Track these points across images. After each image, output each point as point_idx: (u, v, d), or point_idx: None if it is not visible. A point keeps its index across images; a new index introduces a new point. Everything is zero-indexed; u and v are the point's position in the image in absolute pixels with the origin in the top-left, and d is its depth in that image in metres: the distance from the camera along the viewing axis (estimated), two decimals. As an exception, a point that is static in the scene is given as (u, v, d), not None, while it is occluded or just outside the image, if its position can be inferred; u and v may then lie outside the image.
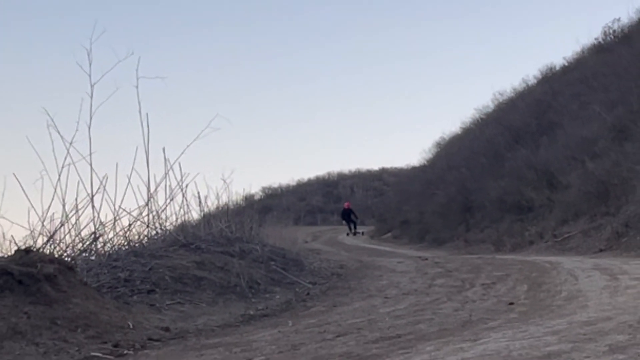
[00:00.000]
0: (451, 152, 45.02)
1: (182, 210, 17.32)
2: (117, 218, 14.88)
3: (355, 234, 45.30)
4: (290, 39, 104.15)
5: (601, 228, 22.03)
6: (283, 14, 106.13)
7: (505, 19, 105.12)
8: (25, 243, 12.09)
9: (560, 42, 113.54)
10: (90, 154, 14.12)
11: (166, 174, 16.17)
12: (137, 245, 15.12)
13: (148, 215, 15.82)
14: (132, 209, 15.57)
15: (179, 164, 16.82)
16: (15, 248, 11.57)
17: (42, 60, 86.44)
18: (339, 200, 66.02)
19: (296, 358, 8.06)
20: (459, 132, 48.70)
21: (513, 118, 38.38)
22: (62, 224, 13.30)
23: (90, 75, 14.29)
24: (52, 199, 13.89)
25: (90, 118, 14.09)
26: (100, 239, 14.30)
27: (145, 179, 15.81)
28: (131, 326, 10.73)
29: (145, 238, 15.66)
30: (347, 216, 45.99)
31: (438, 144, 51.27)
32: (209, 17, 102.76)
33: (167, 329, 11.00)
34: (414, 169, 54.49)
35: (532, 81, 45.02)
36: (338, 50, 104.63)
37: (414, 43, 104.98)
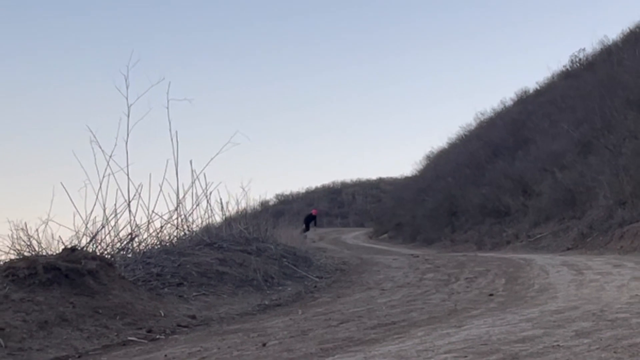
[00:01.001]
0: (439, 164, 45.01)
1: (206, 214, 17.33)
2: (150, 221, 14.90)
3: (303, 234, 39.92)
4: (301, 67, 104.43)
5: (568, 230, 22.02)
6: (294, 45, 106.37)
7: (486, 49, 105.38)
8: (71, 243, 12.11)
9: (533, 69, 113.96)
10: (127, 165, 14.16)
11: (193, 183, 16.19)
12: (167, 244, 15.13)
13: (177, 218, 15.85)
14: (163, 213, 15.60)
15: (204, 174, 16.84)
16: (63, 247, 11.58)
17: (85, 85, 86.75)
18: (343, 206, 65.93)
19: (305, 342, 8.05)
20: (446, 147, 48.75)
21: (492, 134, 38.40)
22: (103, 226, 13.33)
23: (127, 98, 14.33)
24: (94, 205, 13.92)
25: (127, 134, 14.13)
26: (136, 239, 14.32)
27: (175, 187, 15.84)
28: (162, 314, 10.74)
29: (175, 238, 15.66)
30: (309, 221, 43.43)
31: (428, 157, 51.31)
32: (230, 47, 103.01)
33: (193, 317, 11.00)
34: (407, 178, 54.46)
35: (509, 102, 45.14)
36: (342, 77, 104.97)
37: (407, 69, 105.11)
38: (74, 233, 12.96)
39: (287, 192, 69.85)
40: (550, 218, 24.48)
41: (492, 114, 45.61)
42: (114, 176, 13.98)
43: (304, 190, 71.80)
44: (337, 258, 20.21)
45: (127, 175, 14.18)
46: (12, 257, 11.18)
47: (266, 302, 12.59)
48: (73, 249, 11.31)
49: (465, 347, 6.47)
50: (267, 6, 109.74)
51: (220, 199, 24.22)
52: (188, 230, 16.23)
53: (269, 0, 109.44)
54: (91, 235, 12.90)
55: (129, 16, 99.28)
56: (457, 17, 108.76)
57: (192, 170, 16.35)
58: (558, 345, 6.15)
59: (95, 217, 13.38)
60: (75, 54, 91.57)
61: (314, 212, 45.68)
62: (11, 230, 12.33)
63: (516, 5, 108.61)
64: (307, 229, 42.17)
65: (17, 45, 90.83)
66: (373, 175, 75.07)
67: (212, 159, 17.42)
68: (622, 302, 8.69)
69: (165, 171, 15.33)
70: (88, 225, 13.06)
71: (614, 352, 5.52)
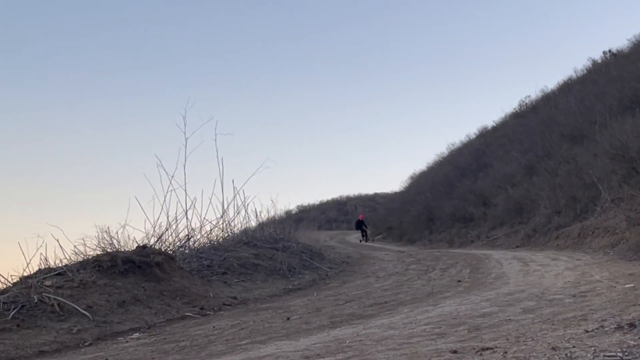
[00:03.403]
0: (420, 182, 44.89)
1: (244, 220, 17.41)
2: (202, 225, 14.95)
3: (367, 240, 35.56)
4: (316, 106, 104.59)
5: (517, 232, 21.94)
6: (311, 90, 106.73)
7: (456, 94, 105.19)
8: (142, 242, 12.15)
9: (491, 110, 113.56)
10: (185, 183, 14.22)
11: (234, 196, 16.27)
12: (215, 243, 15.15)
13: (223, 223, 15.88)
14: (212, 220, 15.67)
15: (243, 190, 16.97)
16: (136, 245, 11.63)
17: (154, 123, 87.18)
18: (347, 214, 65.44)
19: (319, 316, 8.04)
20: (425, 169, 48.54)
21: (460, 160, 38.34)
22: (167, 229, 13.38)
23: (184, 133, 14.42)
24: (160, 213, 14.01)
25: (185, 160, 14.19)
26: (191, 239, 14.35)
27: (221, 200, 15.91)
28: (212, 296, 10.74)
29: (221, 238, 15.69)
30: (359, 226, 37.54)
31: (411, 177, 51.06)
32: (263, 91, 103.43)
33: (235, 298, 11.00)
34: (396, 193, 54.18)
35: (472, 136, 45.01)
36: (348, 114, 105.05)
37: (398, 109, 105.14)
38: (145, 234, 13.03)
39: (306, 203, 69.70)
40: (504, 223, 24.41)
41: (460, 145, 45.55)
42: (175, 192, 14.06)
43: (318, 202, 71.66)
44: (343, 253, 20.19)
45: (185, 191, 14.25)
46: (98, 252, 11.23)
47: (290, 287, 12.59)
48: (144, 247, 11.35)
49: (440, 320, 6.46)
50: (281, 60, 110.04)
51: (255, 209, 24.28)
52: (231, 232, 16.28)
53: (282, 56, 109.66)
54: (158, 236, 12.94)
55: (185, 67, 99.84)
56: (436, 68, 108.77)
57: (233, 187, 16.54)
58: (510, 319, 6.13)
59: (160, 223, 13.47)
60: (147, 100, 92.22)
61: (360, 217, 39.68)
62: (97, 232, 12.43)
63: (478, 61, 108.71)
64: (364, 233, 36.80)
65: (104, 94, 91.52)
66: (370, 191, 74.84)
67: (248, 178, 17.62)
68: (558, 286, 8.65)
69: (214, 188, 15.45)
70: (155, 229, 13.13)
71: (552, 324, 5.50)
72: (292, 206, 61.95)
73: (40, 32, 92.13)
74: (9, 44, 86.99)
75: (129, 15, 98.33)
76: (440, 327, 5.98)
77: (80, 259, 10.89)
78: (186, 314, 9.44)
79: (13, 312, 8.14)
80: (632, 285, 7.65)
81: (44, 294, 8.72)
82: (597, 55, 36.35)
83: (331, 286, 12.35)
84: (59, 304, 8.55)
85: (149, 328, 8.50)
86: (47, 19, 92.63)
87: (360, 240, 34.68)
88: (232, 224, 16.43)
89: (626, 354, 3.57)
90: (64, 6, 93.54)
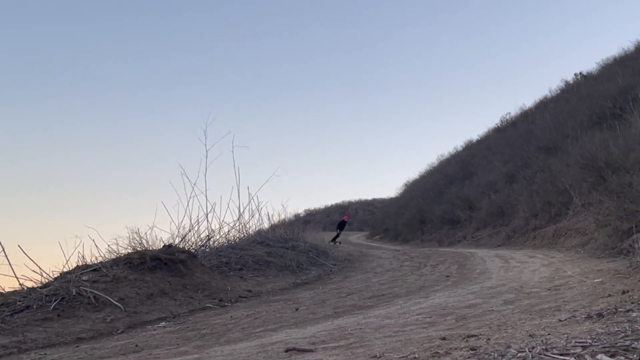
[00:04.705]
0: (413, 189, 44.80)
1: (258, 222, 17.42)
2: (221, 227, 14.99)
3: (334, 241, 28.99)
4: (324, 121, 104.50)
5: (499, 233, 21.87)
6: (319, 107, 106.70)
7: (444, 109, 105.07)
8: (168, 241, 12.17)
9: (475, 125, 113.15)
10: (206, 190, 14.26)
11: (249, 201, 16.40)
12: (232, 243, 15.17)
13: (239, 225, 15.92)
14: (229, 222, 15.70)
15: (257, 196, 17.04)
16: (163, 244, 11.65)
17: (178, 136, 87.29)
18: (349, 217, 65.45)
19: (324, 307, 8.04)
20: (418, 177, 48.51)
21: (449, 169, 38.29)
22: (190, 231, 13.40)
23: (205, 145, 14.51)
24: (184, 216, 14.13)
25: (206, 169, 14.25)
26: (211, 239, 14.37)
27: (237, 205, 15.97)
28: (229, 289, 10.75)
29: (237, 239, 15.71)
30: (341, 227, 33.64)
31: (405, 184, 51.03)
32: (274, 107, 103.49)
33: (250, 291, 11.00)
34: (392, 198, 54.03)
35: (459, 148, 44.97)
36: (350, 128, 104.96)
37: (394, 123, 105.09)
38: (170, 235, 13.07)
39: (312, 208, 69.54)
40: (487, 225, 24.34)
41: (448, 156, 45.45)
42: (196, 197, 14.17)
43: (323, 206, 71.52)
44: (345, 252, 20.16)
45: (206, 196, 14.29)
46: (129, 251, 11.26)
47: (298, 281, 12.58)
48: (169, 246, 11.37)
49: (431, 311, 6.45)
50: (291, 80, 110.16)
51: (268, 212, 24.33)
52: (246, 233, 16.30)
53: (292, 77, 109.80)
54: (182, 237, 12.97)
55: (206, 87, 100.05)
56: (427, 88, 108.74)
57: (248, 193, 16.61)
58: (492, 309, 6.12)
59: (184, 225, 13.53)
60: (173, 116, 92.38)
61: (345, 218, 36.82)
62: (128, 233, 12.48)
63: (464, 81, 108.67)
64: (338, 235, 32.13)
65: (135, 111, 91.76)
66: (369, 196, 74.69)
67: (262, 185, 17.77)
68: (535, 281, 8.62)
69: (231, 194, 15.54)
70: (179, 230, 13.16)
71: (529, 314, 5.49)
72: (301, 210, 61.99)
73: (85, 59, 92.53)
74: (62, 71, 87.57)
75: (157, 43, 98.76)
76: (431, 317, 5.97)
77: (113, 256, 10.92)
78: (207, 305, 9.45)
79: (54, 304, 8.16)
80: (601, 280, 7.63)
81: (81, 287, 8.74)
82: (570, 77, 36.40)
83: (335, 280, 12.33)
84: (94, 297, 8.57)
85: (174, 318, 8.51)
86: (89, 46, 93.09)
87: (330, 242, 29.09)
88: (247, 226, 16.48)
89: (595, 340, 3.56)
90: (100, 33, 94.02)
